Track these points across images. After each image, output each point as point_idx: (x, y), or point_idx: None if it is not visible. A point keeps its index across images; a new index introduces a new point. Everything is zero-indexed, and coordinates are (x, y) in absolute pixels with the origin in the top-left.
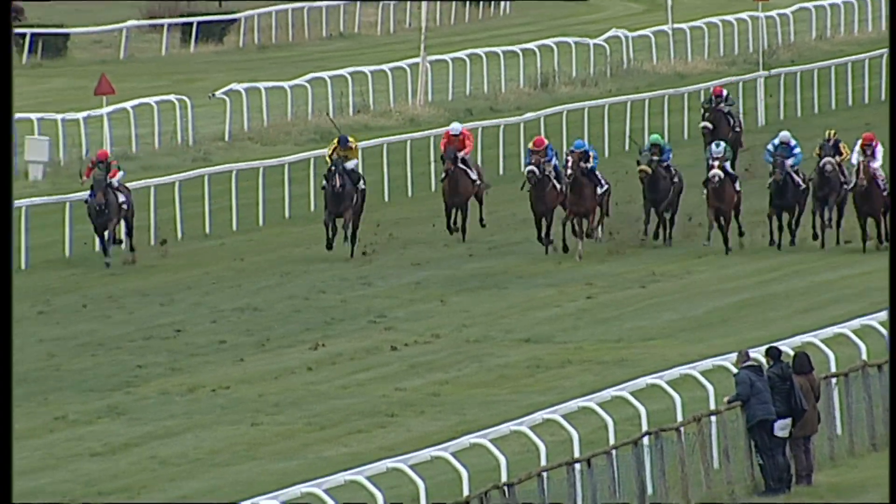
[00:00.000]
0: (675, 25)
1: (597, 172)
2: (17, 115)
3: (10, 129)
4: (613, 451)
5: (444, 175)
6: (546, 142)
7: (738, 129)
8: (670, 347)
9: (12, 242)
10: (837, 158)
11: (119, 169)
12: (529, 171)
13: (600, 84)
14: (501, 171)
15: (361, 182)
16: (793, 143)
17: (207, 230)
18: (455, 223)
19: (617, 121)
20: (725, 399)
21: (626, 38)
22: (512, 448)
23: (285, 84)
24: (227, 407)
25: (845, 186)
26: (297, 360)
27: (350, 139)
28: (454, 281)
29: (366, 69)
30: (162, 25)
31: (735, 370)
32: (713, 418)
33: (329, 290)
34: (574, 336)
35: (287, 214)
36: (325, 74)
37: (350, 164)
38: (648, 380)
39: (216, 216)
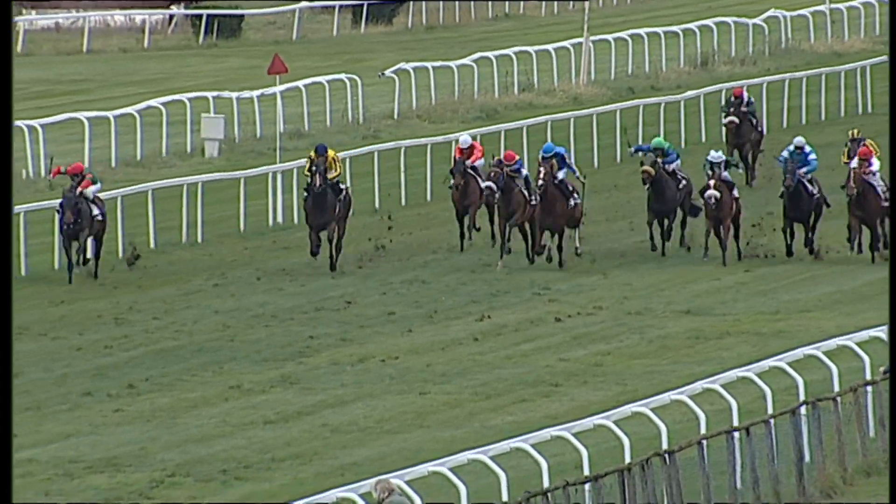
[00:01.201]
0: (833, 5)
1: (568, 183)
2: (193, 94)
3: (9, 128)
4: (771, 420)
5: (454, 187)
6: (517, 157)
7: (760, 129)
8: (827, 319)
9: (12, 243)
10: (869, 172)
11: (94, 181)
12: (486, 188)
13: (759, 63)
14: None
15: (345, 191)
16: (807, 149)
17: (377, 205)
18: (465, 230)
19: (775, 99)
20: (881, 369)
21: (784, 17)
22: (672, 416)
23: (452, 63)
24: (396, 377)
25: (885, 204)
26: (463, 331)
27: (329, 149)
28: (615, 254)
29: (530, 49)
30: (333, 7)
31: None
32: (869, 388)
33: (494, 263)
34: (732, 308)
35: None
36: (490, 54)
37: (331, 174)
38: (806, 350)
39: (384, 192)
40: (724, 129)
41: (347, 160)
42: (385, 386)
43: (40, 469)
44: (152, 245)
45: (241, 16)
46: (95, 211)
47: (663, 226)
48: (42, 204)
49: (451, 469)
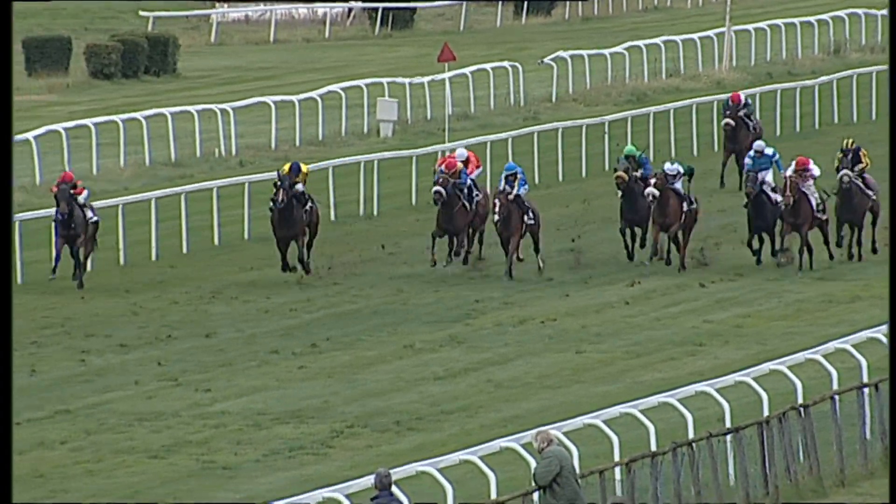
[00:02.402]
0: None
1: (525, 201)
2: (369, 80)
3: (9, 127)
4: None
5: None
6: (458, 165)
7: (758, 132)
8: None
9: (12, 244)
10: (858, 168)
11: (84, 188)
12: (436, 192)
13: (888, 50)
14: (797, 129)
15: (311, 202)
16: (768, 151)
17: (536, 180)
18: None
19: None
20: None
21: None
22: (807, 374)
23: (605, 51)
24: (554, 336)
25: (872, 197)
26: (615, 295)
27: (303, 167)
28: None
29: (677, 38)
30: (497, 0)
31: None
32: None
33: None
34: (863, 274)
35: (607, 167)
36: (640, 43)
37: (299, 187)
38: None
39: (543, 170)
40: (722, 132)
41: (509, 140)
42: (544, 345)
43: (232, 420)
44: (332, 218)
45: (414, 8)
46: (90, 214)
47: (635, 234)
48: (210, 183)
49: (604, 421)
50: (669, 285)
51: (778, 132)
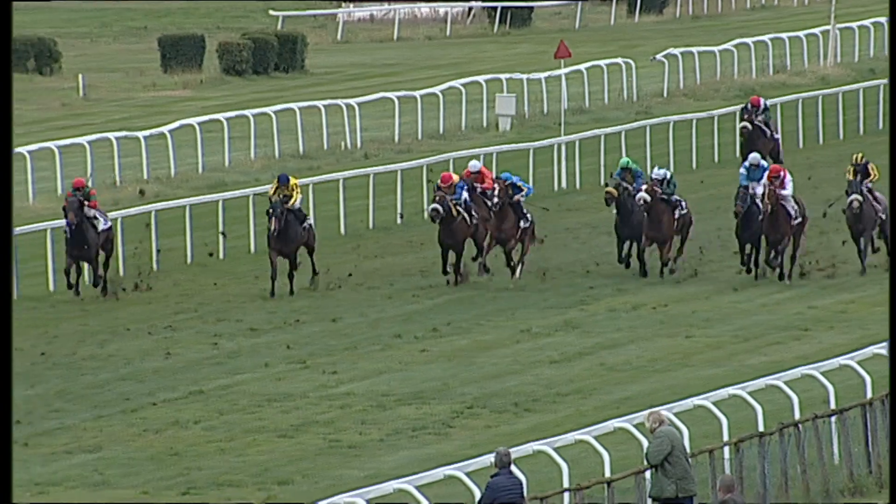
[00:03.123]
0: None
1: (523, 207)
2: (488, 76)
3: (9, 126)
4: None
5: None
6: (454, 178)
7: (775, 137)
8: None
9: (12, 242)
10: (867, 181)
11: (94, 200)
12: (433, 210)
13: None
14: None
15: (307, 221)
16: (764, 164)
17: (649, 172)
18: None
19: None
20: None
21: None
22: None
23: (715, 48)
24: (665, 322)
25: (881, 216)
26: (724, 282)
27: (291, 178)
28: None
29: (783, 35)
30: (611, 0)
31: None
32: None
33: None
34: None
35: (716, 159)
36: (748, 40)
37: (294, 205)
38: None
39: (655, 161)
40: (740, 136)
41: (622, 133)
42: (655, 330)
43: (357, 401)
44: None
45: (531, 7)
46: (102, 223)
47: (632, 247)
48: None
49: (713, 403)
50: (775, 274)
51: (880, 125)
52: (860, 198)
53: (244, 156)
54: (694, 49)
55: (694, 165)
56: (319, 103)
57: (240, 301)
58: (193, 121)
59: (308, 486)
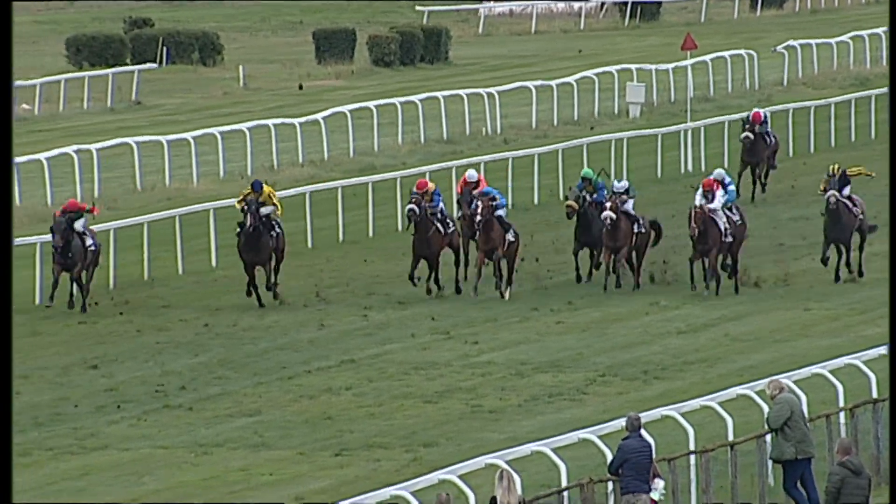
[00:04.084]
0: None
1: (505, 220)
2: (619, 66)
3: (9, 127)
4: None
5: (460, 216)
6: (429, 185)
7: (774, 145)
8: None
9: (12, 241)
10: (846, 190)
11: (83, 216)
12: (409, 210)
13: None
14: None
15: (277, 227)
16: (727, 179)
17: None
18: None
19: None
20: None
21: None
22: None
23: (831, 40)
24: (785, 296)
25: (860, 217)
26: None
27: (264, 184)
28: None
29: None
30: None
31: None
32: None
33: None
34: None
35: (832, 143)
36: (863, 32)
37: (266, 210)
38: None
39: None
40: (741, 145)
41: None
42: (776, 303)
43: (497, 369)
44: None
45: (660, 2)
46: (88, 242)
47: (592, 255)
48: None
49: (830, 371)
50: (883, 251)
51: None
52: (836, 194)
53: (392, 141)
54: (812, 41)
55: (811, 149)
56: (462, 92)
57: (388, 276)
58: (345, 108)
59: (452, 448)
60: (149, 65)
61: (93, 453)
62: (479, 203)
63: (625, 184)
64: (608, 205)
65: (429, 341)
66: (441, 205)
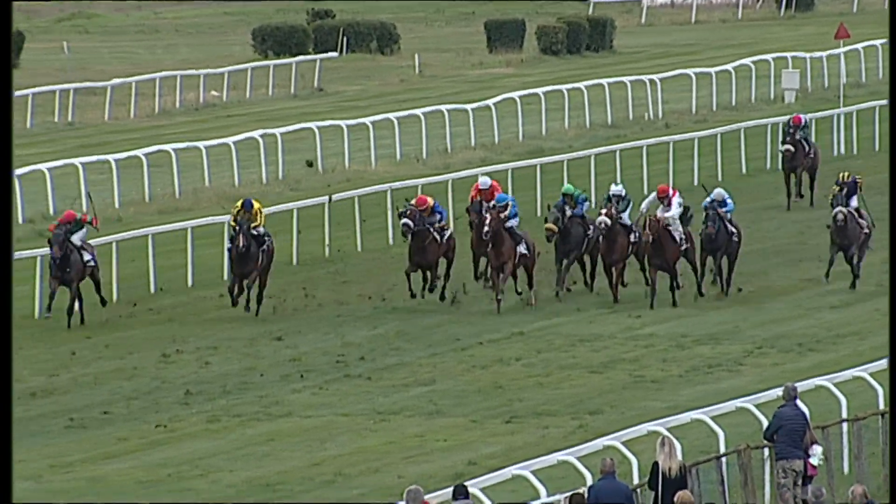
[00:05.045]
0: None
1: (517, 230)
2: (775, 55)
3: (9, 127)
4: None
5: (471, 226)
6: (429, 201)
7: (812, 155)
8: None
9: (11, 241)
10: (853, 201)
11: (81, 227)
12: (404, 225)
13: None
14: None
15: (266, 243)
16: (729, 202)
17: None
18: (481, 273)
19: None
20: None
21: None
22: None
23: None
24: None
25: (866, 231)
26: None
27: (254, 203)
28: None
29: None
30: None
31: None
32: None
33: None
34: None
35: None
36: None
37: (257, 230)
38: None
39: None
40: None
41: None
42: None
43: (659, 341)
44: (743, 171)
45: None
46: (87, 257)
47: (570, 264)
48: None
49: None
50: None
51: None
52: (845, 210)
53: (559, 125)
54: None
55: None
56: (625, 79)
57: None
58: (515, 95)
59: (616, 415)
60: (330, 54)
61: (278, 420)
62: (489, 215)
63: (621, 188)
64: (603, 211)
65: (594, 315)
66: (441, 216)
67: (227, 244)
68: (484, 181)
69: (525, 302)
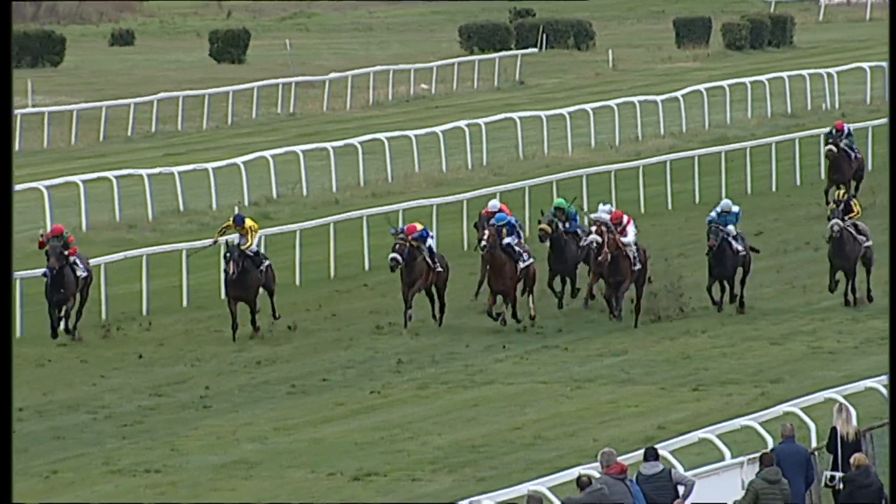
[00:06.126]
0: None
1: (515, 246)
2: None
3: (9, 127)
4: None
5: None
6: (417, 227)
7: (858, 158)
8: None
9: (11, 240)
10: (849, 217)
11: (74, 246)
12: (392, 259)
13: None
14: None
15: (264, 263)
16: (735, 209)
17: None
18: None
19: None
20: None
21: None
22: None
23: None
24: None
25: (865, 245)
26: None
27: (247, 220)
28: None
29: None
30: None
31: None
32: None
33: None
34: None
35: None
36: None
37: (251, 249)
38: None
39: None
40: (826, 160)
41: None
42: None
43: (836, 315)
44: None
45: None
46: (80, 273)
47: (565, 283)
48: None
49: None
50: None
51: None
52: (840, 222)
53: (742, 115)
54: None
55: None
56: (804, 72)
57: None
58: (701, 87)
59: (795, 384)
60: (530, 49)
61: (482, 387)
62: (486, 231)
63: (609, 207)
64: (594, 228)
65: (775, 291)
66: (431, 243)
67: (223, 265)
68: (493, 204)
69: (527, 317)
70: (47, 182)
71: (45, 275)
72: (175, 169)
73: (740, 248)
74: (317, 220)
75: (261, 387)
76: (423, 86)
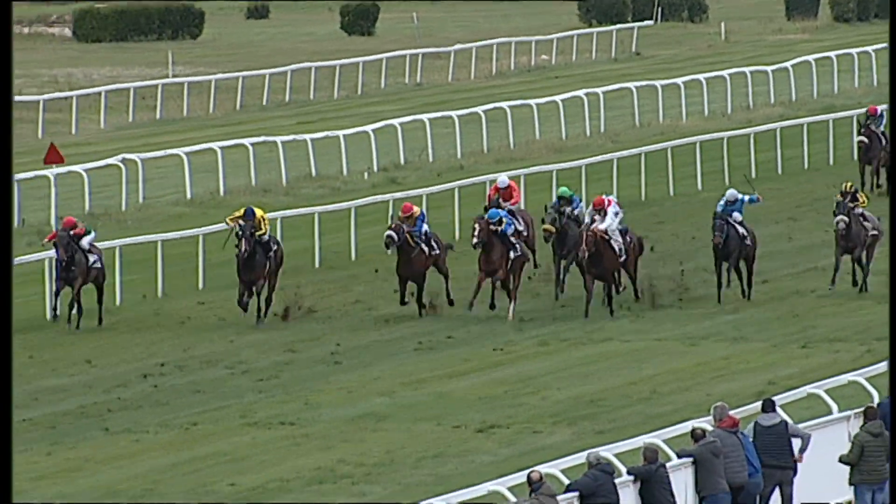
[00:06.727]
0: None
1: (512, 238)
2: None
3: (9, 128)
4: None
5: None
6: (414, 209)
7: (888, 148)
8: None
9: (11, 231)
10: (856, 206)
11: (87, 232)
12: (387, 237)
13: None
14: None
15: (273, 249)
16: (743, 198)
17: None
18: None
19: None
20: None
21: None
22: None
23: None
24: None
25: (871, 232)
26: None
27: (257, 211)
28: None
29: None
30: None
31: None
32: None
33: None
34: None
35: None
36: None
37: (264, 237)
38: None
39: None
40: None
41: None
42: None
43: None
44: None
45: None
46: (92, 259)
47: (569, 268)
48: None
49: None
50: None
51: None
52: (846, 218)
53: (849, 85)
54: None
55: None
56: None
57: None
58: (810, 58)
59: None
60: (646, 22)
61: (599, 344)
62: (478, 225)
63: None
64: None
65: (878, 254)
66: (425, 227)
67: (235, 251)
68: (502, 180)
69: (509, 316)
70: (187, 148)
71: (58, 262)
72: (307, 136)
73: (746, 233)
74: (442, 185)
75: (389, 343)
76: (544, 57)
